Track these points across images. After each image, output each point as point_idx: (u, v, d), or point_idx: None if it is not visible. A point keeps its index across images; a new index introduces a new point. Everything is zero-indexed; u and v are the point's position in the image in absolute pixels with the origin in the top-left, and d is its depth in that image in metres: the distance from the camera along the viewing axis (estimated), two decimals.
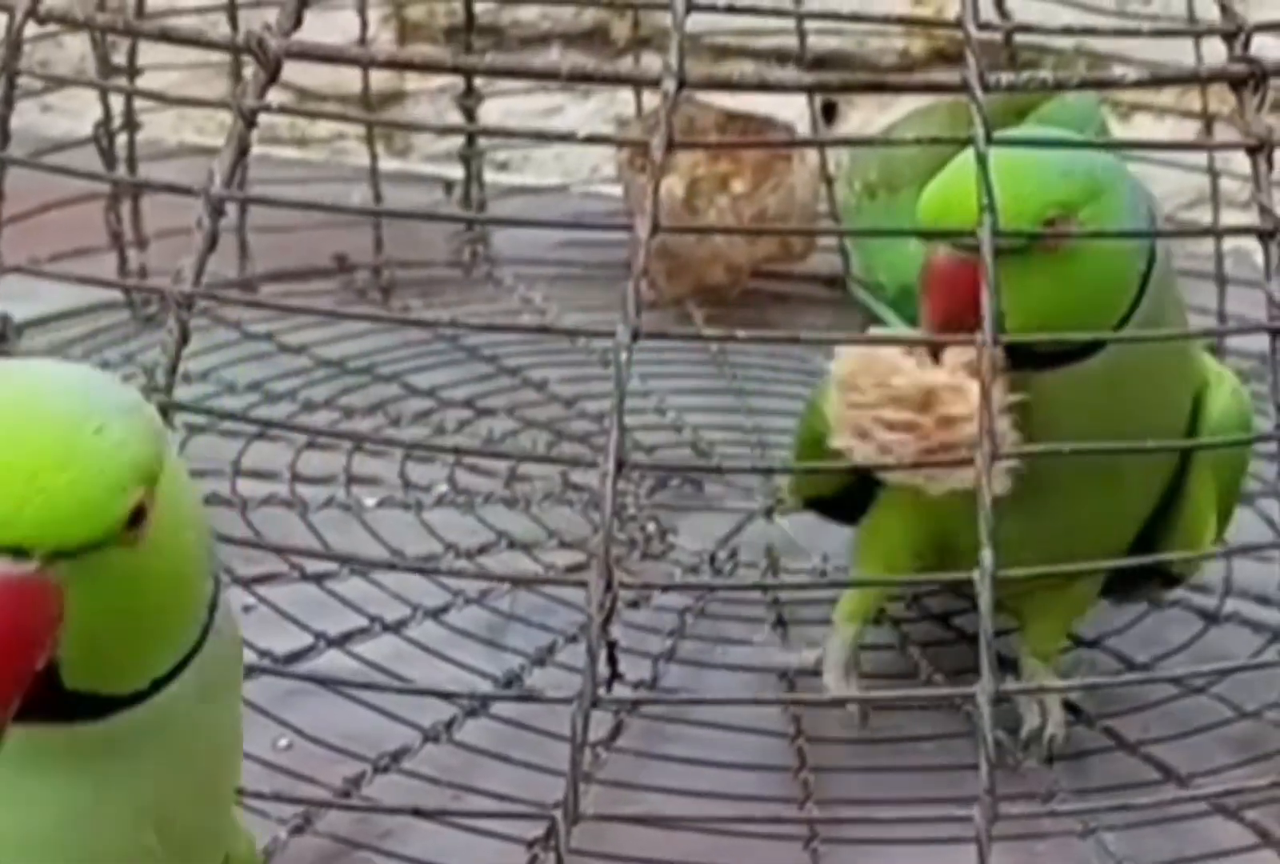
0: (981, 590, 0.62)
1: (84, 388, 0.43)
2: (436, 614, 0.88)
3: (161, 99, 0.89)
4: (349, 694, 0.80)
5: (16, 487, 0.41)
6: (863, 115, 1.46)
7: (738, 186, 1.26)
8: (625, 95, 1.41)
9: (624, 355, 0.64)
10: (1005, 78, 0.66)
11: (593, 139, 0.94)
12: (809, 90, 0.76)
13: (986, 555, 0.63)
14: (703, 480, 1.02)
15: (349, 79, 1.29)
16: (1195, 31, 0.96)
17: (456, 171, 1.33)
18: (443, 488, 1.00)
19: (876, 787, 0.77)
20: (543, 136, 0.93)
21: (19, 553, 0.41)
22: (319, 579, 0.90)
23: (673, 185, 1.25)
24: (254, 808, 0.73)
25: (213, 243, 0.67)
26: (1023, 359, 0.74)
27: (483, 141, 1.29)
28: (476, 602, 0.90)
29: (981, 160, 0.65)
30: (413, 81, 1.49)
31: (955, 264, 0.72)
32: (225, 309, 1.18)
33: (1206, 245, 1.32)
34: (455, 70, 0.73)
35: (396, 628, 0.87)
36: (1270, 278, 0.68)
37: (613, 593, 0.63)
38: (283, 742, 0.80)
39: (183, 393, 1.05)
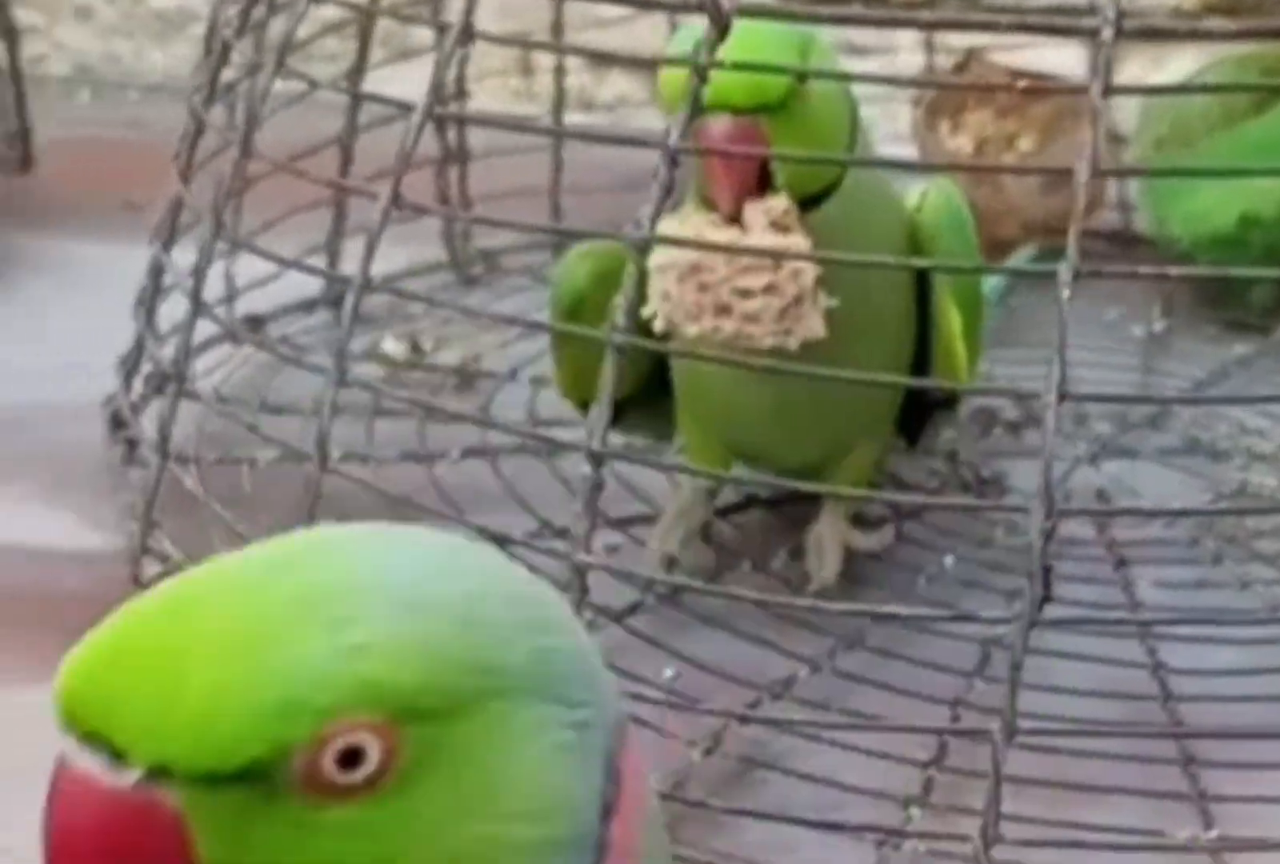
0: None
1: (396, 567, 0.33)
2: (797, 554, 0.94)
3: (613, 60, 0.94)
4: (735, 627, 0.86)
5: (153, 665, 0.32)
6: (1133, 71, 1.50)
7: (1024, 144, 1.31)
8: (906, 58, 1.46)
9: (1065, 293, 0.69)
10: None
11: (1030, 89, 0.98)
12: (1237, 37, 0.79)
13: None
14: (1022, 427, 1.07)
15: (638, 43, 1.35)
16: None
17: None
18: None
19: (1241, 716, 0.82)
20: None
21: (117, 755, 0.32)
22: None
23: (962, 144, 1.30)
24: (664, 729, 0.80)
25: (669, 191, 0.73)
26: None
27: None
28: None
29: None
30: None
31: (736, 129, 0.77)
32: (551, 268, 1.25)
33: None
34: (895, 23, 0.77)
35: (762, 567, 0.93)
36: None
37: (1053, 519, 0.68)
38: (669, 672, 0.86)
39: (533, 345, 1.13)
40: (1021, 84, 0.99)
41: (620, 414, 0.79)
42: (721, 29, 0.72)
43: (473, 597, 0.33)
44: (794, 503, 0.96)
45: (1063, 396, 0.68)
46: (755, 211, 0.78)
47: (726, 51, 0.73)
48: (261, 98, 0.89)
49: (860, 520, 0.93)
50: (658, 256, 0.77)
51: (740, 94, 0.76)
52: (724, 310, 0.78)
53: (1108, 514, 0.96)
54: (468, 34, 0.79)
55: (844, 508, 0.89)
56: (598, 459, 0.73)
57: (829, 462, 0.89)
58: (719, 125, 0.76)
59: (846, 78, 0.84)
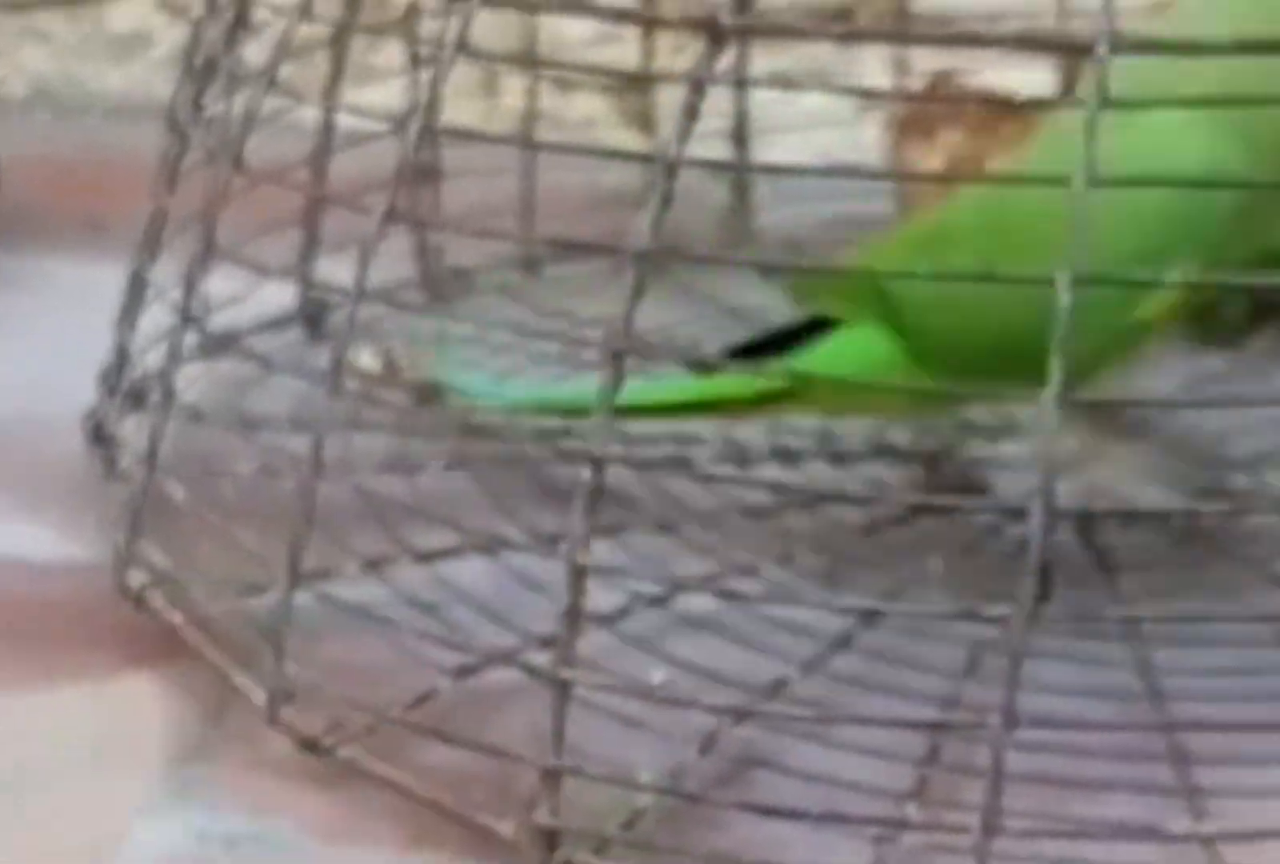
0: None
1: None
2: (784, 561, 0.94)
3: (606, 73, 0.95)
4: (726, 631, 0.86)
5: None
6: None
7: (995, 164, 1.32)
8: (873, 82, 1.47)
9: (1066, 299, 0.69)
10: None
11: (1029, 103, 0.99)
12: (1231, 53, 0.79)
13: None
14: (1000, 435, 1.08)
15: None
16: None
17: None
18: (764, 444, 1.06)
19: (1232, 713, 0.82)
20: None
21: None
22: (669, 527, 0.96)
23: (934, 165, 1.31)
24: (659, 729, 0.80)
25: (667, 202, 0.73)
26: None
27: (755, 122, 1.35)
28: (815, 550, 0.96)
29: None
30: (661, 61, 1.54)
31: None
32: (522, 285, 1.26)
33: None
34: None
35: (750, 572, 0.93)
36: None
37: (1054, 519, 0.68)
38: (660, 675, 0.85)
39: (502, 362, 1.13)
40: (1020, 100, 1.00)
41: None
42: (719, 47, 0.72)
43: None
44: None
45: (1063, 402, 0.68)
46: None
47: None
48: (251, 114, 0.89)
49: None
50: None
51: None
52: None
53: (1103, 514, 0.96)
54: (462, 46, 0.79)
55: None
56: (598, 463, 0.73)
57: None
58: None
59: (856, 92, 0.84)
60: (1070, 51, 0.69)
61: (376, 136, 1.09)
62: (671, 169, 0.72)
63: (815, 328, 0.96)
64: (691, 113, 0.72)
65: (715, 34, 0.71)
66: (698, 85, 0.72)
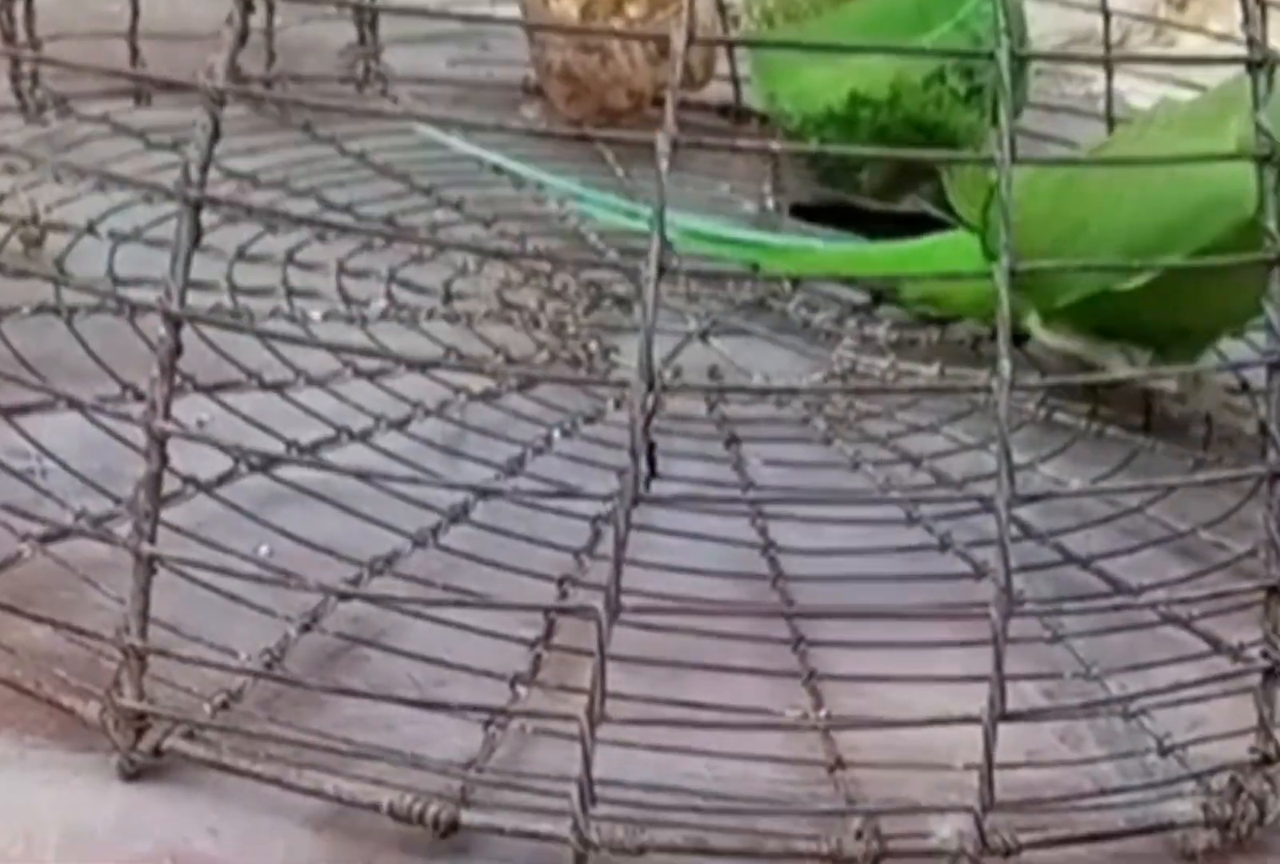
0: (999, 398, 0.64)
1: None
2: (400, 425, 0.90)
3: None
4: (334, 501, 0.82)
5: None
6: None
7: (632, 11, 1.27)
8: None
9: (664, 163, 0.65)
10: None
11: None
12: None
13: (1005, 366, 0.65)
14: (632, 301, 1.04)
15: None
16: None
17: None
18: (382, 303, 1.01)
19: (851, 595, 0.81)
20: None
21: None
22: (279, 388, 0.91)
23: (567, 7, 1.26)
24: (259, 605, 0.75)
25: (243, 40, 0.67)
26: None
27: None
28: (435, 413, 0.91)
29: None
30: None
31: None
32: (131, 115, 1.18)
33: (1076, 87, 1.37)
34: None
35: (363, 437, 0.88)
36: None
37: (654, 393, 0.65)
38: (263, 549, 0.80)
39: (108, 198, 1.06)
40: None
41: None
42: None
43: None
44: None
45: (662, 270, 0.64)
46: None
47: None
48: None
49: None
50: None
51: None
52: None
53: (713, 391, 0.94)
54: None
55: None
56: (175, 321, 0.67)
57: None
58: None
59: None
60: None
61: None
62: (249, 5, 0.66)
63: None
64: None
65: None
66: None
